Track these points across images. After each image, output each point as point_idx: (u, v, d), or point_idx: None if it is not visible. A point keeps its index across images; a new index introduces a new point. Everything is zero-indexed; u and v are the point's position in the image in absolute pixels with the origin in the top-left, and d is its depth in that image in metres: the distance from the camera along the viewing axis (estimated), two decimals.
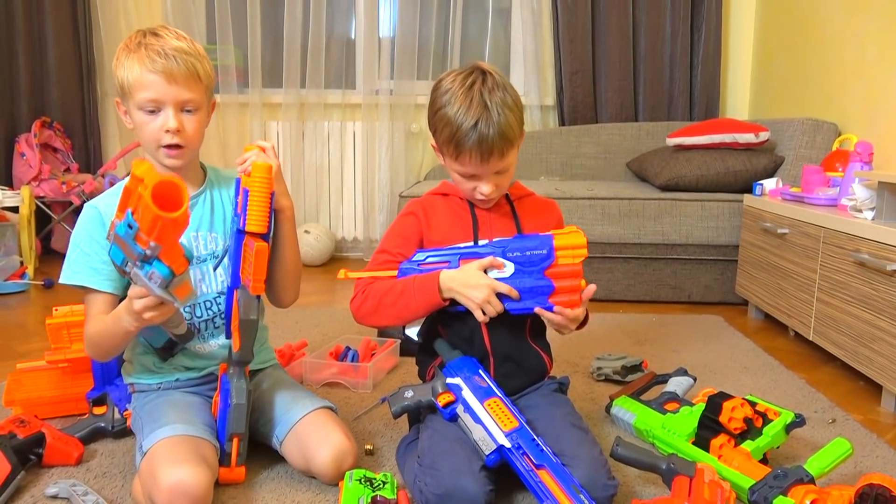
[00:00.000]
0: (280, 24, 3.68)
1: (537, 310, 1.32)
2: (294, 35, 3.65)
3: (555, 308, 1.30)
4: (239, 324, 1.31)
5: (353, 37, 3.85)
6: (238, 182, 1.32)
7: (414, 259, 1.38)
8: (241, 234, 1.30)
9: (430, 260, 1.36)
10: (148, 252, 1.07)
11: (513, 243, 1.33)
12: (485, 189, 1.35)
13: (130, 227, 1.07)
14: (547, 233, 1.33)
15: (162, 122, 1.31)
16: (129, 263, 1.13)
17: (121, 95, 1.35)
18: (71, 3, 3.63)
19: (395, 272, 1.37)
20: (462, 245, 1.37)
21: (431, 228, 1.42)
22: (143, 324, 1.18)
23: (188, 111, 1.33)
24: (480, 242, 1.38)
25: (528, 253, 1.31)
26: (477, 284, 1.30)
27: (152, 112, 1.31)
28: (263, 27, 3.71)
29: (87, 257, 1.33)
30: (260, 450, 1.41)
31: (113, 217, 1.15)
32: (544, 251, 1.31)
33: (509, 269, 1.32)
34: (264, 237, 1.31)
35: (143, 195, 1.02)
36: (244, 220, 1.29)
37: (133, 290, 1.15)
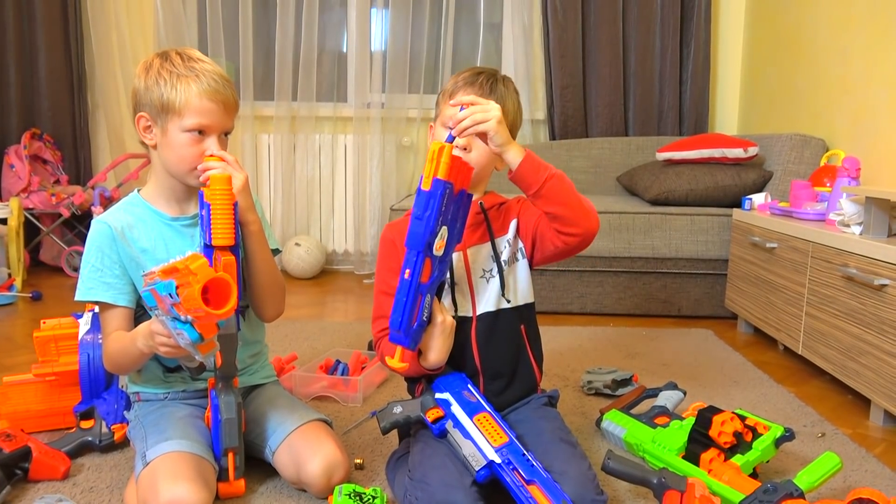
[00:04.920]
0: (272, 38, 3.69)
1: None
2: (286, 48, 3.66)
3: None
4: (218, 339, 1.30)
5: (344, 50, 3.86)
6: (201, 195, 1.28)
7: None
8: (209, 248, 1.27)
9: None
10: (182, 319, 1.09)
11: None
12: None
13: (171, 296, 1.07)
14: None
15: (204, 148, 1.33)
16: (159, 311, 1.14)
17: (155, 112, 1.32)
18: (62, 16, 3.63)
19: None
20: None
21: None
22: (158, 352, 1.21)
23: (224, 135, 1.37)
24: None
25: None
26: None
27: (200, 134, 1.32)
28: (255, 40, 3.72)
29: (99, 273, 1.34)
30: (251, 466, 1.39)
31: (153, 269, 1.15)
32: None
33: None
34: (233, 249, 1.29)
35: (193, 289, 1.03)
36: (209, 234, 1.26)
37: (156, 327, 1.17)
